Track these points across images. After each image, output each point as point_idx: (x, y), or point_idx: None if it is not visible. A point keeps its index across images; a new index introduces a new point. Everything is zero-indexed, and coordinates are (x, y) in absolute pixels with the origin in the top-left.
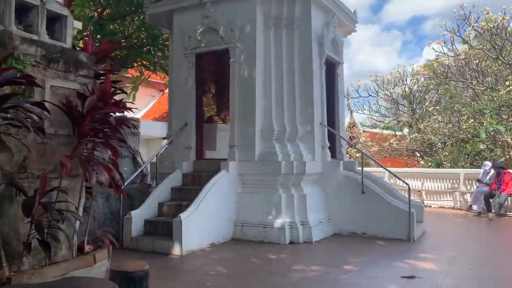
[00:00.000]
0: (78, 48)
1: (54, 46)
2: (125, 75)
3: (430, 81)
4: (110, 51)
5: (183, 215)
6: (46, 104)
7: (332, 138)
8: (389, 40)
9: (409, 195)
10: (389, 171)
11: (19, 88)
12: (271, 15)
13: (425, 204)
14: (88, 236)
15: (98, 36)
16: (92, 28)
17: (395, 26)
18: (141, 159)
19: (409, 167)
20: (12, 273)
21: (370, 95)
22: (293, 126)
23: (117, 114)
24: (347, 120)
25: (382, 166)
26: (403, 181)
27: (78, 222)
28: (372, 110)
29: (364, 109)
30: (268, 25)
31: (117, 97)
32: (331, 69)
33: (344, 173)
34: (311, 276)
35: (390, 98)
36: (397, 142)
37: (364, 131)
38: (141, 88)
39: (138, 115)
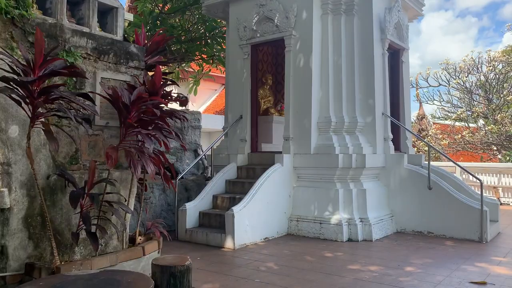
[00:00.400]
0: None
1: (105, 38)
2: (187, 69)
3: (509, 68)
4: (162, 42)
5: (235, 209)
6: (96, 96)
7: (396, 130)
8: (463, 27)
9: (482, 192)
10: (459, 166)
11: (70, 80)
12: (328, 1)
13: (502, 202)
14: (142, 228)
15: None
16: (151, 23)
17: (471, 12)
18: (202, 152)
19: (484, 161)
20: (62, 263)
21: (440, 85)
22: (352, 117)
23: (171, 106)
24: (415, 112)
25: (451, 160)
26: (475, 176)
27: (129, 213)
28: (443, 101)
29: (434, 100)
30: (325, 11)
31: (168, 89)
32: (395, 56)
33: (408, 167)
34: (368, 277)
35: (463, 88)
36: (470, 134)
37: (434, 123)
38: (203, 83)
39: (200, 109)
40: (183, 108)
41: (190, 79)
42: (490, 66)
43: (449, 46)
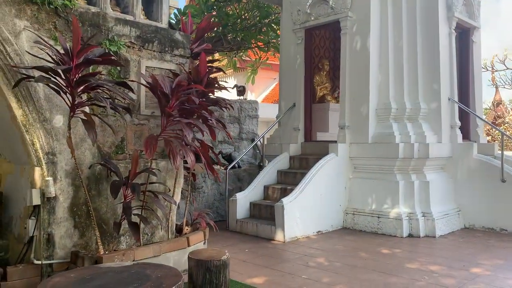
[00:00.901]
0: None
1: (149, 26)
2: (244, 58)
3: None
4: (208, 28)
5: (285, 200)
6: (141, 86)
7: (464, 116)
8: None
9: None
10: None
11: (114, 69)
12: None
13: None
14: (190, 218)
15: (216, 20)
16: (206, 11)
17: None
18: (260, 142)
19: None
20: (106, 252)
21: None
22: (415, 103)
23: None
24: (491, 97)
25: None
26: None
27: (175, 204)
28: None
29: None
30: None
31: (226, 79)
32: (464, 36)
33: (478, 158)
34: (427, 278)
35: None
36: None
37: None
38: (262, 71)
39: (259, 98)
40: (241, 97)
41: (248, 68)
42: None
43: None
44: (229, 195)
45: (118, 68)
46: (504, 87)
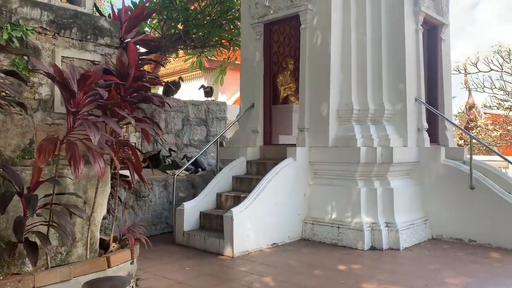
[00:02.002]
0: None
1: (66, 10)
2: (210, 57)
3: None
4: (143, 16)
5: (235, 210)
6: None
7: (433, 119)
8: None
9: None
10: (508, 161)
11: (20, 59)
12: None
13: None
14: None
15: (179, 16)
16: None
17: None
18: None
19: None
20: (0, 278)
21: (492, 70)
22: (379, 104)
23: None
24: (464, 100)
25: (499, 154)
26: None
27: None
28: (495, 88)
29: (485, 87)
30: None
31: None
32: (432, 32)
33: (446, 163)
34: None
35: None
36: None
37: (486, 113)
38: (234, 72)
39: (230, 99)
40: (208, 98)
41: (217, 68)
42: None
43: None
44: (178, 204)
45: (26, 58)
46: (477, 91)
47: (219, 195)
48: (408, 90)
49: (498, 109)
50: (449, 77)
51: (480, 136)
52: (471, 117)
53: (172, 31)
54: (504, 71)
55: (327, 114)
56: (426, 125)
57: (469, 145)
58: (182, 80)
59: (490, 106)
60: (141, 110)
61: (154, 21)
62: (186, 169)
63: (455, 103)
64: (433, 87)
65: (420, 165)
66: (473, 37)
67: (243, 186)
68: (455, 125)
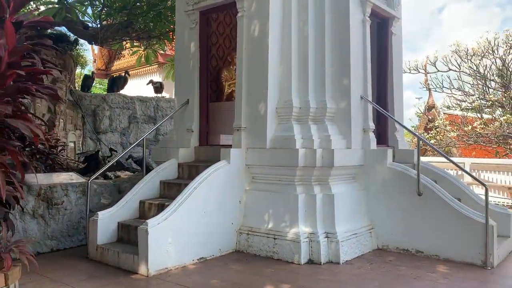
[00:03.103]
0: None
1: None
2: (157, 50)
3: None
4: None
5: (151, 222)
6: None
7: (382, 118)
8: (486, 19)
9: (487, 200)
10: (453, 162)
11: None
12: None
13: None
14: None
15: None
16: None
17: (493, 3)
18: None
19: (499, 157)
20: None
21: (450, 70)
22: (321, 101)
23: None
24: (424, 100)
25: (444, 156)
26: (475, 178)
27: None
28: (454, 88)
29: (444, 87)
30: None
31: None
32: (382, 26)
33: (393, 166)
34: None
35: (476, 73)
36: (483, 126)
37: (445, 114)
38: None
39: None
40: (158, 95)
41: (168, 62)
42: (508, 48)
43: (470, 38)
44: (89, 215)
45: None
46: (436, 91)
47: (142, 203)
48: (353, 86)
49: (456, 109)
50: (400, 75)
51: (438, 137)
52: (430, 117)
53: (113, 20)
54: (462, 71)
55: (264, 112)
56: (372, 125)
57: (439, 147)
58: (129, 75)
59: (449, 107)
60: (19, 103)
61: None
62: (132, 171)
63: (421, 103)
64: (382, 84)
65: (365, 168)
66: (440, 39)
67: (172, 192)
68: (401, 124)
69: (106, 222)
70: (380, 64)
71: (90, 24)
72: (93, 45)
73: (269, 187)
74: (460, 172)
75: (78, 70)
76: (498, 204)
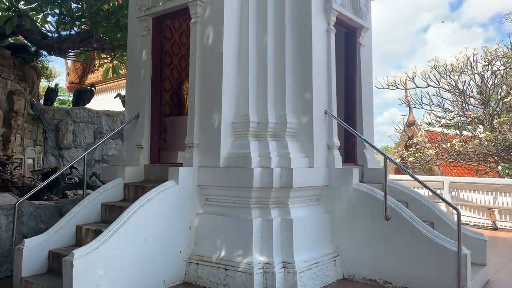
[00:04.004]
0: None
1: None
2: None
3: (510, 64)
4: None
5: (78, 252)
6: None
7: (350, 135)
8: (469, 38)
9: (459, 226)
10: (421, 183)
11: None
12: None
13: (499, 227)
14: None
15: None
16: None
17: (476, 23)
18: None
19: (480, 175)
20: None
21: (429, 85)
22: (281, 116)
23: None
24: (401, 115)
25: (410, 174)
26: (448, 203)
27: None
28: (433, 104)
29: (424, 104)
30: None
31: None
32: (350, 36)
33: (358, 187)
34: None
35: (454, 89)
36: (462, 143)
37: (426, 131)
38: None
39: None
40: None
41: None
42: (486, 64)
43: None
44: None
45: None
46: (415, 107)
47: (79, 228)
48: (315, 100)
49: (435, 126)
50: (370, 88)
51: (417, 155)
52: (410, 134)
53: (70, 30)
54: (441, 87)
55: (218, 127)
56: (337, 142)
57: (384, 167)
58: (95, 88)
59: (428, 123)
60: None
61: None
62: (92, 188)
63: (400, 120)
64: (350, 99)
65: (330, 189)
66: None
67: (114, 216)
68: (364, 140)
69: (35, 250)
70: (348, 77)
71: (51, 34)
72: (53, 55)
73: (223, 210)
74: (439, 191)
75: (46, 84)
76: (478, 225)
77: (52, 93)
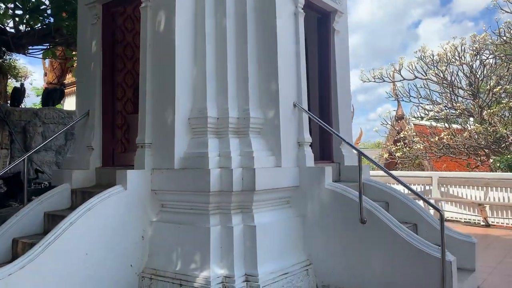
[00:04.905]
0: None
1: None
2: None
3: (499, 53)
4: None
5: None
6: None
7: (325, 131)
8: (460, 32)
9: (442, 230)
10: (393, 176)
11: None
12: None
13: (491, 223)
14: None
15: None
16: None
17: (467, 17)
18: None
19: (470, 169)
20: None
21: (416, 77)
22: (244, 110)
23: None
24: (393, 110)
25: (384, 169)
26: (431, 204)
27: None
28: (421, 97)
29: (411, 96)
30: None
31: None
32: (322, 22)
33: (331, 187)
34: None
35: (442, 80)
36: (450, 136)
37: (415, 125)
38: None
39: None
40: None
41: None
42: (474, 53)
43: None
44: None
45: None
46: (403, 100)
47: (15, 242)
48: (282, 92)
49: (423, 119)
50: (346, 78)
51: (405, 149)
52: (397, 128)
53: (27, 23)
54: (428, 79)
55: (172, 124)
56: (309, 138)
57: (359, 164)
58: (65, 87)
59: (416, 117)
60: None
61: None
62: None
63: (386, 113)
64: (324, 90)
65: (301, 190)
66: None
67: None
68: (341, 137)
69: None
70: (321, 66)
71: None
72: (14, 52)
73: (180, 218)
74: (428, 187)
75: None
76: (469, 222)
77: (18, 93)
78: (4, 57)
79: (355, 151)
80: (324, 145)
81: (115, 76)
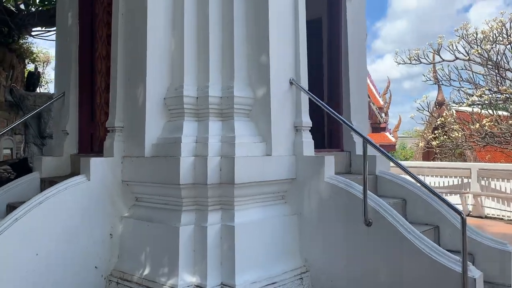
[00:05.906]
0: None
1: None
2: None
3: None
4: None
5: None
6: None
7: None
8: None
9: (464, 239)
10: (405, 170)
11: None
12: None
13: None
14: None
15: None
16: None
17: None
18: None
19: None
20: None
21: (457, 59)
22: (228, 88)
23: None
24: (433, 95)
25: (395, 161)
26: (450, 205)
27: None
28: (463, 80)
29: (452, 80)
30: None
31: None
32: None
33: (331, 181)
34: None
35: (486, 60)
36: (494, 123)
37: (456, 111)
38: None
39: None
40: None
41: None
42: None
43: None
44: None
45: None
46: (443, 84)
47: None
48: (274, 66)
49: (462, 105)
50: (362, 55)
51: (442, 138)
52: (436, 115)
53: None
54: (471, 60)
55: (143, 104)
56: (308, 122)
57: (364, 154)
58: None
59: (457, 102)
60: None
61: None
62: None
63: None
64: (333, 67)
65: (297, 184)
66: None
67: None
68: (346, 123)
69: None
70: (331, 39)
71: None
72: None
73: (152, 214)
74: (466, 180)
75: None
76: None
77: (33, 77)
78: (19, 40)
79: (359, 137)
80: (332, 131)
81: (95, 47)
